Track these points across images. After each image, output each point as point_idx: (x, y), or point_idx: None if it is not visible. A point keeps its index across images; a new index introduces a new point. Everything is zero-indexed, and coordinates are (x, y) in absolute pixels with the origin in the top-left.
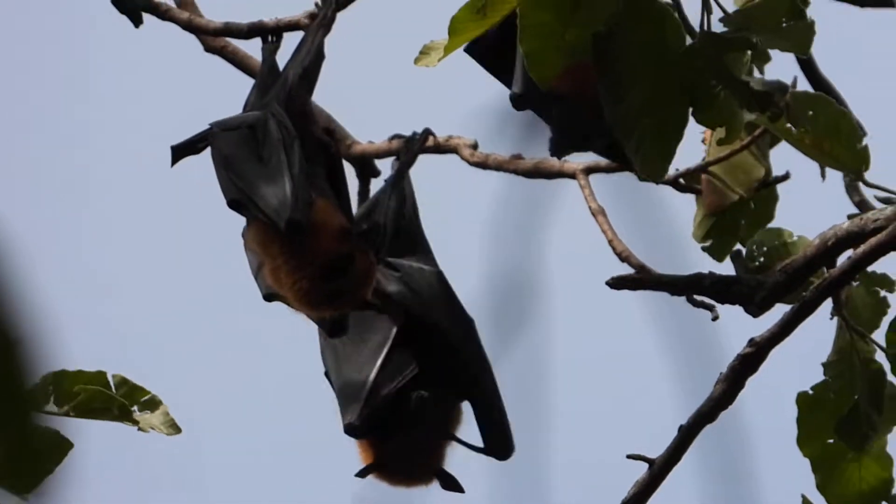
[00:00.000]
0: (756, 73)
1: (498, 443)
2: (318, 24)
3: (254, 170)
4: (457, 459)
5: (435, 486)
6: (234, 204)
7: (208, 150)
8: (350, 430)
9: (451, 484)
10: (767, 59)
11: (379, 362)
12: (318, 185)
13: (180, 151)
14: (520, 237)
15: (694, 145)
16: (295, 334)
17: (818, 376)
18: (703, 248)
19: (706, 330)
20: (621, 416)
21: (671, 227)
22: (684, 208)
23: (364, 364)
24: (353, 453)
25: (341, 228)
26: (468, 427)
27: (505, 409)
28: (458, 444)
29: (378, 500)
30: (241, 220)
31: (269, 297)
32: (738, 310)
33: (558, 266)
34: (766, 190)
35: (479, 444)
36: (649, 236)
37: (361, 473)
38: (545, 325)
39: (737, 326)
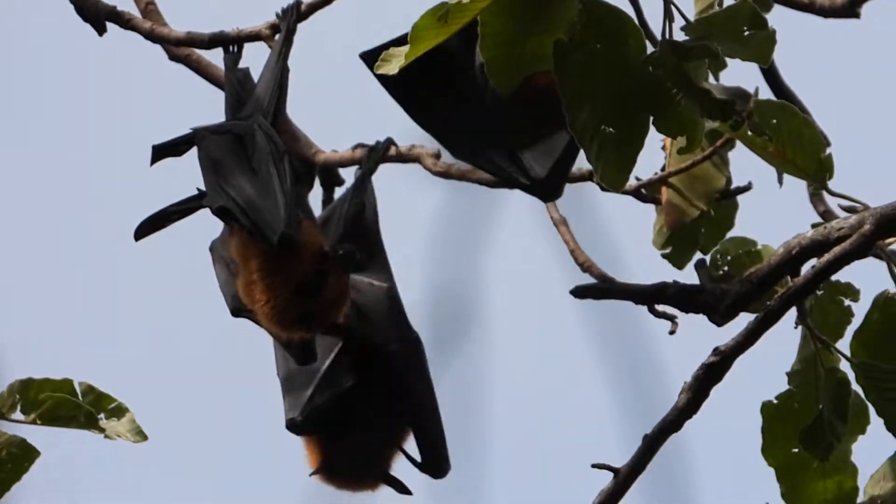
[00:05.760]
0: (711, 80)
1: (434, 461)
2: (282, 39)
3: (245, 180)
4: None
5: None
6: (221, 211)
7: (188, 154)
8: (291, 425)
9: (399, 487)
10: (723, 65)
11: (327, 363)
12: (302, 204)
13: (161, 152)
14: (462, 250)
15: (654, 153)
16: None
17: (782, 385)
18: (663, 256)
19: (660, 341)
20: (575, 427)
21: (607, 232)
22: (643, 216)
23: (313, 365)
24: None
25: (320, 250)
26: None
27: (443, 430)
28: (402, 455)
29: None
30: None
31: (236, 313)
32: (701, 318)
33: (504, 277)
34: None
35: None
36: (599, 245)
37: (314, 474)
38: (487, 339)
39: (701, 335)
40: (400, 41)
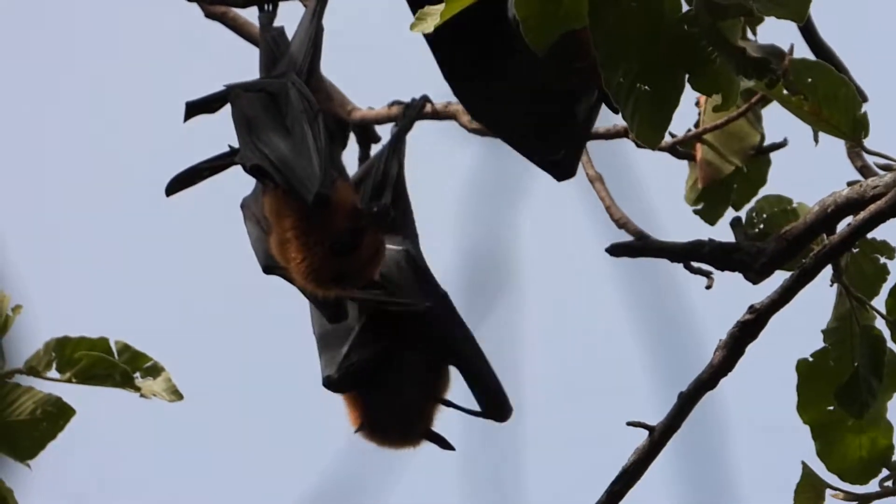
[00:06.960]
0: (750, 36)
1: (494, 405)
2: None
3: (280, 138)
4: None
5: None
6: (255, 169)
7: (222, 112)
8: (328, 382)
9: (441, 443)
10: (760, 20)
11: (363, 319)
12: (336, 162)
13: (195, 108)
14: (498, 207)
15: (688, 108)
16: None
17: (818, 343)
18: (695, 212)
19: (695, 298)
20: (610, 385)
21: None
22: (678, 173)
23: (348, 321)
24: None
25: (354, 208)
26: (465, 396)
27: (494, 373)
28: (449, 408)
29: None
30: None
31: (268, 270)
32: (737, 276)
33: (539, 234)
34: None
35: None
36: (634, 201)
37: (357, 431)
38: (522, 296)
39: (736, 293)
40: None
